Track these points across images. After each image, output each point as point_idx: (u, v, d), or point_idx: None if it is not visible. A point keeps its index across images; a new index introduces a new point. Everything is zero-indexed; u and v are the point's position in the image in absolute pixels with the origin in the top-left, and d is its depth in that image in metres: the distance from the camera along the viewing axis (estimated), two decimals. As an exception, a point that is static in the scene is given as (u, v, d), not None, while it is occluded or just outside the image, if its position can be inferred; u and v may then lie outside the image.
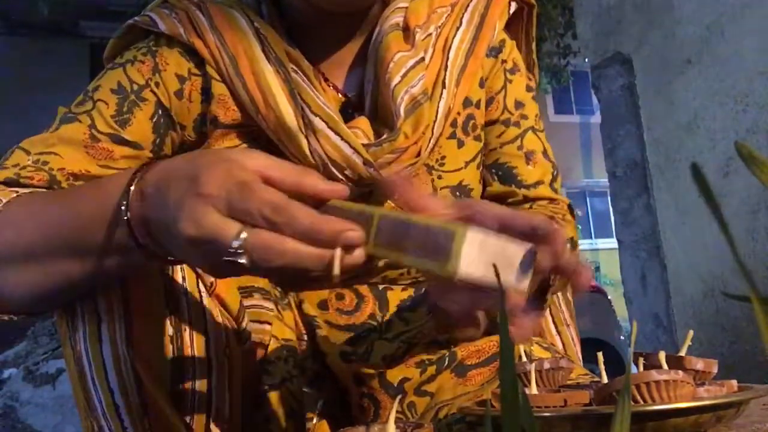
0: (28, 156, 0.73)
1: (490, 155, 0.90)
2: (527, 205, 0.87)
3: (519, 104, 0.91)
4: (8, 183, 0.70)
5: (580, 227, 12.56)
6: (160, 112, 0.80)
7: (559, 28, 7.79)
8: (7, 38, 9.47)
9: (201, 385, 0.68)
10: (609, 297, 4.60)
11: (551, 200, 0.88)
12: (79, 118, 0.77)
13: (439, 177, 0.85)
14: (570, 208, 0.91)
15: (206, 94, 0.81)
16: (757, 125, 1.74)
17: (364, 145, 0.76)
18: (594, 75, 2.34)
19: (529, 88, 0.92)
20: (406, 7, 0.85)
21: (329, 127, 0.76)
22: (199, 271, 0.70)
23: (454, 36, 0.86)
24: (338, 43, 0.86)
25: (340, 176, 0.76)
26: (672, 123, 2.01)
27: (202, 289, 0.70)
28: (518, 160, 0.89)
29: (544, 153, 0.91)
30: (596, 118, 2.91)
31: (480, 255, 0.42)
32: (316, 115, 0.76)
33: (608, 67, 2.27)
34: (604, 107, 2.31)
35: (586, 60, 2.39)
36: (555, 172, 0.91)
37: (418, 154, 0.79)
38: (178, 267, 0.68)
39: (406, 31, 0.83)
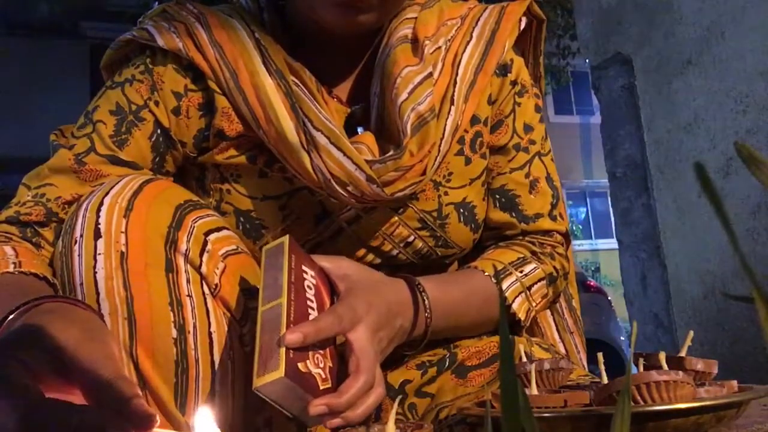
0: (28, 191, 0.78)
1: (498, 179, 0.90)
2: (520, 239, 0.90)
3: (528, 128, 0.91)
4: (10, 221, 0.75)
5: (581, 227, 12.63)
6: (158, 131, 0.80)
7: (558, 29, 7.80)
8: (7, 38, 9.46)
9: (204, 388, 0.67)
10: (609, 297, 4.61)
11: (546, 232, 0.91)
12: (71, 143, 0.79)
13: (446, 193, 0.84)
14: (565, 235, 0.93)
15: (205, 109, 0.80)
16: (757, 126, 1.74)
17: (368, 161, 0.75)
18: (594, 75, 2.34)
19: (537, 108, 0.92)
20: (415, 18, 0.84)
21: (331, 143, 0.74)
22: (204, 273, 0.69)
23: (464, 50, 0.85)
24: (344, 54, 0.85)
25: (343, 192, 0.75)
26: (672, 123, 2.01)
27: (207, 291, 0.69)
28: (523, 188, 0.89)
29: (548, 178, 0.91)
30: (596, 119, 2.92)
31: (282, 389, 0.57)
32: (318, 130, 0.75)
33: (608, 68, 2.27)
34: (604, 107, 2.31)
35: (587, 61, 2.39)
36: (555, 201, 0.92)
37: (424, 173, 0.78)
38: (183, 269, 0.68)
39: (415, 42, 0.82)
